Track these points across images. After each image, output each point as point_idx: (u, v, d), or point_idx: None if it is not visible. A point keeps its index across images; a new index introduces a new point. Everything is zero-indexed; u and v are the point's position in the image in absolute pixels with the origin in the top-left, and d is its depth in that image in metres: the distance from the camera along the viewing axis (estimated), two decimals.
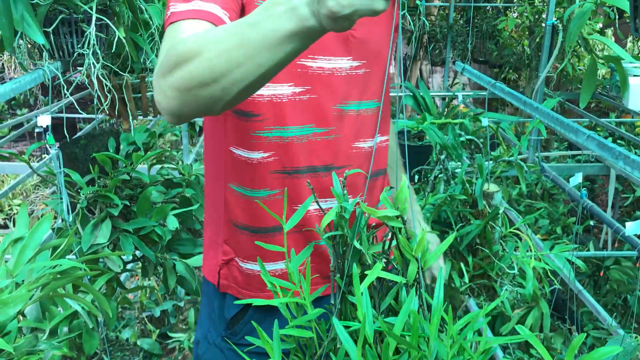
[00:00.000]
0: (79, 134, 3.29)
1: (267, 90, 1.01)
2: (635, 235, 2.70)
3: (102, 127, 1.89)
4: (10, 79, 6.15)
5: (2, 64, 5.29)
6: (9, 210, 4.48)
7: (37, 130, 1.46)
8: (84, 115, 3.84)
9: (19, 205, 4.43)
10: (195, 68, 0.80)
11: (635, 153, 4.26)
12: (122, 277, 2.73)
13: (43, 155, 5.06)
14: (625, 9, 1.04)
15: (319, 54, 1.02)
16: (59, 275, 1.11)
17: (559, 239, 3.22)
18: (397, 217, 0.66)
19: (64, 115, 1.59)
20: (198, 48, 0.81)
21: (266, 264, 1.09)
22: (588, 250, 2.97)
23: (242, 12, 0.98)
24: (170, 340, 2.85)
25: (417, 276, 0.65)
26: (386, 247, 0.72)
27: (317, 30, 0.73)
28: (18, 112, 5.68)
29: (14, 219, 4.18)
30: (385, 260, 0.70)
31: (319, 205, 0.96)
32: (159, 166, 1.78)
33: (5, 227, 4.37)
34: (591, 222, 3.28)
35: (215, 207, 1.15)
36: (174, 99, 0.83)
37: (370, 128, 1.13)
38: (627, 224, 1.12)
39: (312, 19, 0.72)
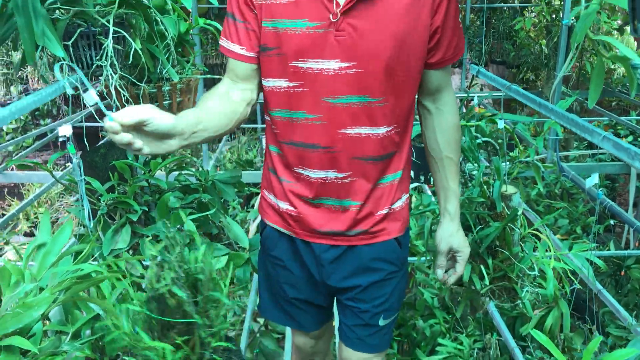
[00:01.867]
0: (100, 142, 3.34)
1: (268, 83, 1.37)
2: None
3: None
4: (34, 89, 6.27)
5: (27, 75, 5.40)
6: (35, 218, 4.57)
7: (60, 139, 1.52)
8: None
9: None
10: None
11: None
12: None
13: (67, 164, 5.16)
14: (626, 8, 1.05)
15: (308, 57, 1.30)
16: (80, 280, 1.15)
17: (579, 238, 3.20)
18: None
19: (84, 124, 1.64)
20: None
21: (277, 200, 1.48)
22: (609, 249, 2.95)
23: (259, 16, 1.33)
24: None
25: None
26: None
27: None
28: (41, 122, 5.80)
29: (39, 226, 4.26)
30: None
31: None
32: (177, 172, 1.82)
33: (31, 234, 4.46)
34: (611, 222, 3.26)
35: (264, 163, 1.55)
36: None
37: (363, 118, 1.33)
38: None
39: None
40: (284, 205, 1.46)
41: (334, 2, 1.26)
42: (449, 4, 1.33)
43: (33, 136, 4.54)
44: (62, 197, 4.67)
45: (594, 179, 1.81)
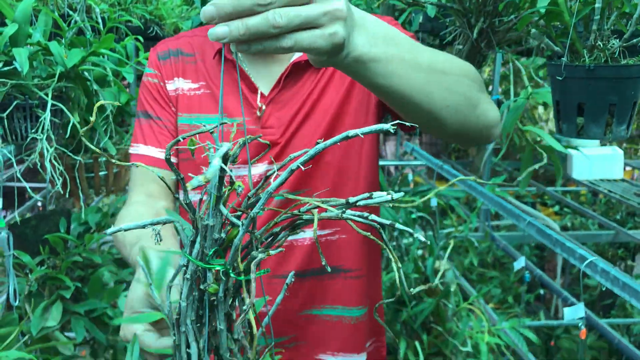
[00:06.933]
0: (21, 208, 3.22)
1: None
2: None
3: (54, 208, 1.88)
4: None
5: None
6: None
7: None
8: (35, 184, 3.79)
9: None
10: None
11: (580, 221, 4.40)
12: None
13: None
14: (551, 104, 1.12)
15: None
16: None
17: (511, 307, 3.27)
18: None
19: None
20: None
21: None
22: (539, 319, 3.03)
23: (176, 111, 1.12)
24: None
25: None
26: None
27: None
28: None
29: None
30: None
31: None
32: (108, 244, 1.78)
33: None
34: (541, 292, 3.35)
35: None
36: None
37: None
38: (564, 309, 1.18)
39: None
40: None
41: (258, 95, 1.08)
42: None
43: None
44: None
45: (521, 262, 1.89)
